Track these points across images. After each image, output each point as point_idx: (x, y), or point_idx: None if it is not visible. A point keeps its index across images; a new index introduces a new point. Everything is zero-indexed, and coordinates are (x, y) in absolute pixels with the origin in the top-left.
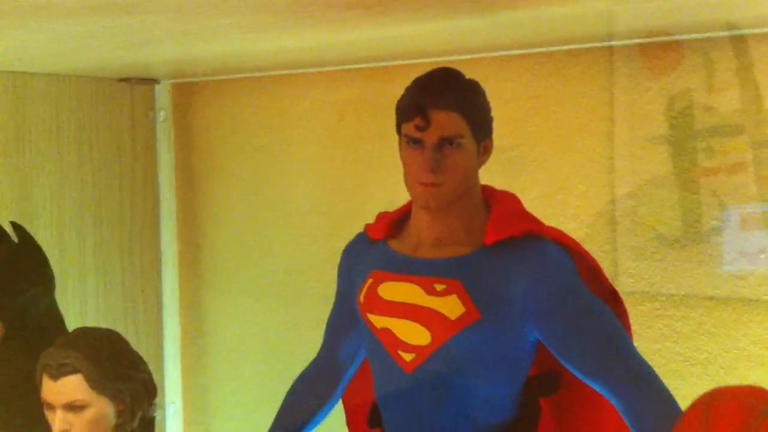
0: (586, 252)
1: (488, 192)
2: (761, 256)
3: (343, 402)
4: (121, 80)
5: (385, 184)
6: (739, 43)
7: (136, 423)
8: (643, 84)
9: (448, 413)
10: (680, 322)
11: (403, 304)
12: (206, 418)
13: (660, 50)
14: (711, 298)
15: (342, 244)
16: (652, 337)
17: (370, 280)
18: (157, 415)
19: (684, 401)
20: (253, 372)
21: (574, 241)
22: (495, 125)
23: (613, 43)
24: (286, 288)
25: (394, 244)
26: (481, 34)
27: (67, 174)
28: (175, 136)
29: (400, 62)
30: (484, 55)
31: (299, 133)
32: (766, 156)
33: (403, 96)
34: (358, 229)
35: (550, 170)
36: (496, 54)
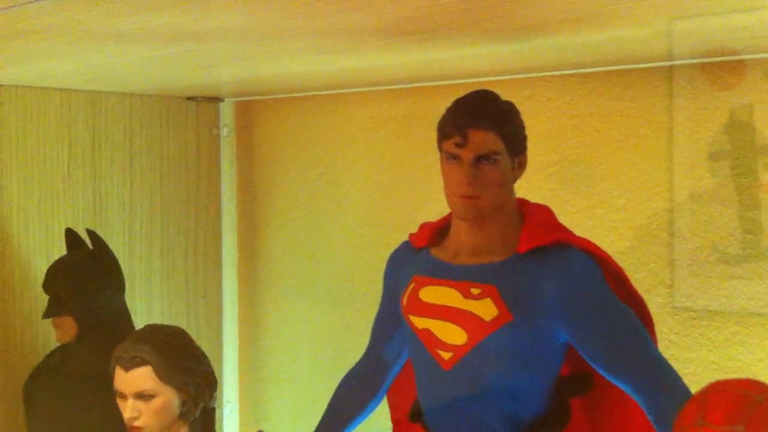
0: (613, 261)
1: (523, 204)
2: None
3: (388, 400)
4: (188, 99)
5: (431, 196)
6: None
7: (198, 412)
8: (704, 98)
9: (483, 407)
10: (715, 331)
11: (442, 306)
12: (262, 417)
13: (720, 66)
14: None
15: (390, 251)
16: (688, 345)
17: (412, 285)
18: (217, 407)
19: None
20: (306, 374)
21: (601, 250)
22: (539, 141)
23: (673, 62)
24: (339, 294)
25: (435, 252)
26: (523, 57)
27: (137, 185)
28: (237, 151)
29: (446, 82)
30: (527, 75)
31: (351, 147)
32: None
33: (443, 116)
34: (406, 237)
35: (591, 184)
36: (540, 74)
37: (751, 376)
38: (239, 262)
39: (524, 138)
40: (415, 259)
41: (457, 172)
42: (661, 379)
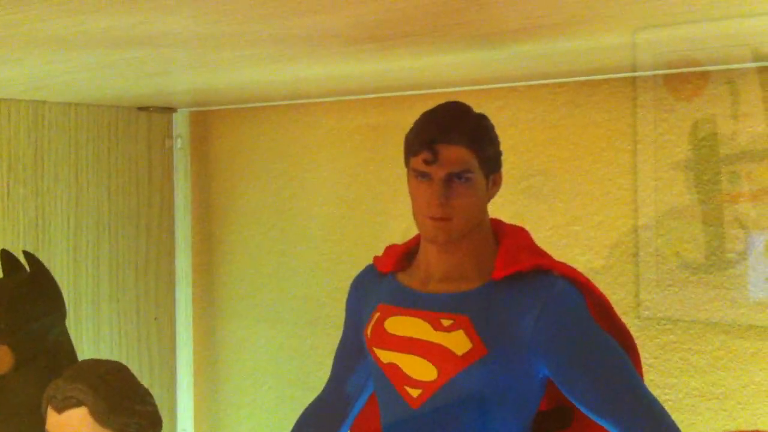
0: (596, 288)
1: (498, 226)
2: None
3: None
4: (139, 109)
5: (399, 212)
6: (764, 71)
7: None
8: (667, 110)
9: None
10: (696, 356)
11: (410, 339)
12: None
13: (684, 77)
14: (730, 327)
15: (354, 272)
16: (669, 370)
17: (377, 314)
18: None
19: None
20: (266, 400)
21: (583, 276)
22: (511, 154)
23: (636, 74)
24: (301, 315)
25: (402, 278)
26: (496, 66)
27: (83, 202)
28: (191, 164)
29: (414, 92)
30: (499, 85)
31: (314, 161)
32: None
33: (411, 130)
34: (371, 260)
35: (566, 200)
36: (511, 84)
37: (715, 381)
38: (194, 283)
39: (499, 154)
40: (380, 286)
41: (427, 191)
42: (647, 417)
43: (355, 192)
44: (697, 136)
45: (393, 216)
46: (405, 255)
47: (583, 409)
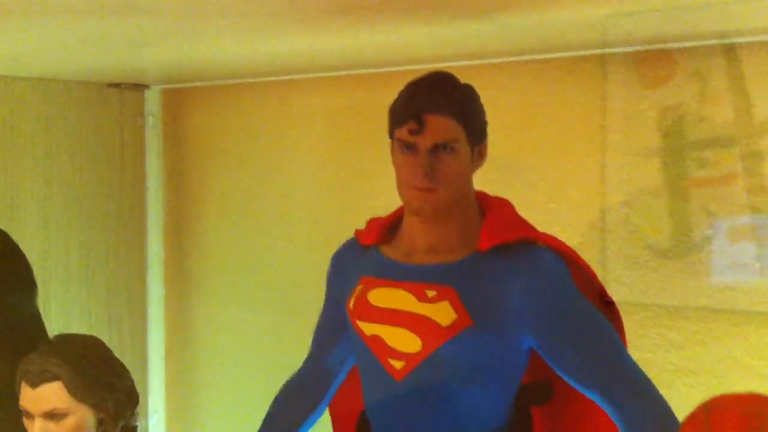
0: (581, 259)
1: (482, 198)
2: (753, 267)
3: (330, 412)
4: (111, 85)
5: (378, 191)
6: (731, 54)
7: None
8: (636, 95)
9: (439, 421)
10: (673, 332)
11: (394, 310)
12: (190, 428)
13: (654, 62)
14: (703, 309)
15: (331, 252)
16: (644, 346)
17: (360, 286)
18: (139, 424)
19: (677, 412)
20: (239, 381)
21: (569, 248)
22: (488, 133)
23: (607, 50)
24: (276, 297)
25: (386, 250)
26: (474, 40)
27: (54, 179)
28: (163, 142)
29: (393, 69)
30: (477, 62)
31: (291, 140)
32: (758, 166)
33: (396, 100)
34: (351, 236)
35: (542, 178)
36: (489, 61)
37: (677, 364)
38: (166, 264)
39: (485, 125)
40: (363, 259)
41: (413, 162)
42: (634, 389)
43: (334, 171)
44: (666, 123)
45: (371, 196)
46: (388, 227)
47: (567, 380)
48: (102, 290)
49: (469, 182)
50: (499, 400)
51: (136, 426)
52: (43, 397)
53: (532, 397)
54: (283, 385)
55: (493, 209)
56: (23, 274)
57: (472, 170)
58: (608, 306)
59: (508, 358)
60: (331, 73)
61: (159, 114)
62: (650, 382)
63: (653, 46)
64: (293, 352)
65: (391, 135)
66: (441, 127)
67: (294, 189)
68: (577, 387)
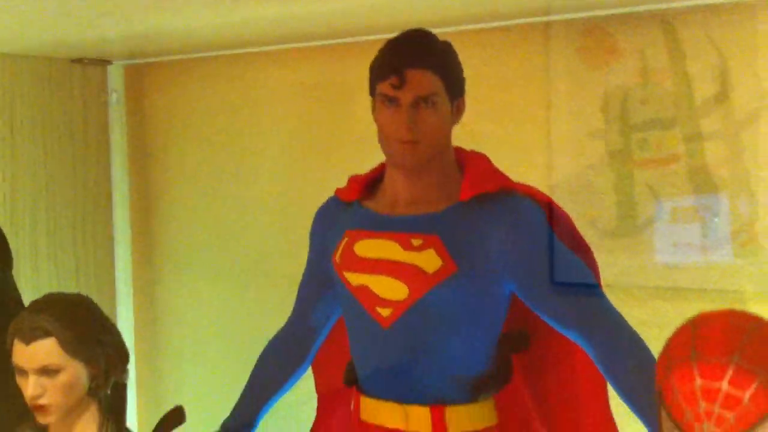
0: (558, 207)
1: (459, 152)
2: (695, 246)
3: (313, 370)
4: (73, 61)
5: (347, 166)
6: (670, 36)
7: (108, 388)
8: (580, 77)
9: (425, 367)
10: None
11: (380, 260)
12: (159, 401)
13: (596, 44)
14: (647, 287)
15: (302, 225)
16: None
17: (345, 239)
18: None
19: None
20: (208, 356)
21: (545, 196)
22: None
23: (552, 17)
24: (242, 271)
25: (369, 204)
26: (432, 8)
27: (19, 157)
28: (127, 118)
29: (357, 39)
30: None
31: (256, 114)
32: (699, 147)
33: (377, 57)
34: (316, 209)
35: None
36: (445, 30)
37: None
38: (133, 240)
39: (463, 81)
40: (346, 214)
41: (395, 115)
42: (610, 328)
43: (303, 145)
44: (609, 104)
45: (340, 170)
46: (369, 184)
47: (547, 320)
48: (71, 268)
49: (449, 136)
50: (482, 346)
51: (126, 384)
52: (37, 354)
53: (511, 345)
54: (268, 343)
55: (472, 162)
56: (1, 247)
57: (451, 124)
58: (585, 252)
59: (490, 302)
60: (295, 45)
61: (122, 90)
62: (626, 321)
63: (595, 13)
64: (260, 324)
65: (372, 91)
66: (421, 81)
67: (259, 163)
68: (556, 326)
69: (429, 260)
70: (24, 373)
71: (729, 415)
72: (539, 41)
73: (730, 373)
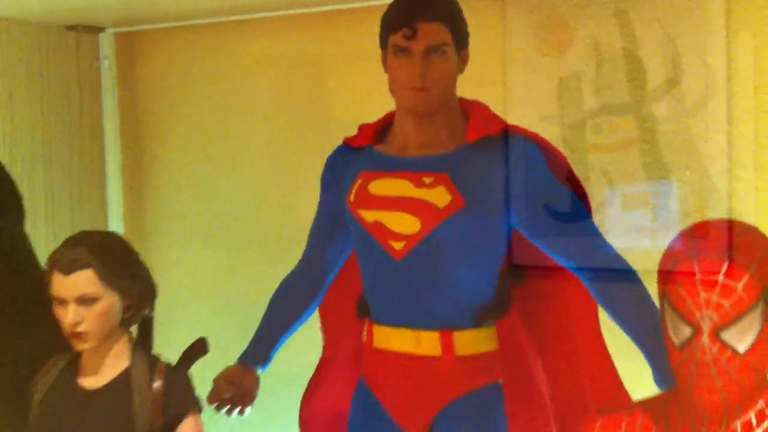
0: (554, 148)
1: (463, 101)
2: (646, 230)
3: (319, 311)
4: (69, 28)
5: (336, 129)
6: (624, 20)
7: (138, 320)
8: (535, 63)
9: (435, 295)
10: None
11: (394, 197)
12: None
13: (552, 30)
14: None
15: (292, 188)
16: None
17: (359, 180)
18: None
19: None
20: (200, 319)
21: (544, 139)
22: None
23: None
24: (234, 234)
25: (380, 148)
26: None
27: (18, 121)
28: (119, 85)
29: (339, 7)
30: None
31: (247, 80)
32: (651, 133)
33: (389, 10)
34: (309, 173)
35: None
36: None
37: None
38: (125, 204)
39: (468, 34)
40: (358, 158)
41: (407, 64)
42: (602, 256)
43: (292, 110)
44: (563, 90)
45: (328, 133)
46: (379, 130)
47: (549, 253)
48: (66, 231)
49: (455, 85)
50: (487, 276)
51: (152, 318)
52: (76, 284)
53: (510, 277)
54: (282, 281)
55: (474, 108)
56: (13, 196)
57: (457, 73)
58: (580, 190)
59: (495, 235)
60: (280, 13)
61: (114, 57)
62: (616, 252)
63: None
64: (251, 285)
65: (384, 43)
66: (432, 32)
67: (248, 129)
68: (555, 257)
69: (439, 196)
70: (63, 302)
71: (725, 303)
72: (497, 24)
73: (725, 267)
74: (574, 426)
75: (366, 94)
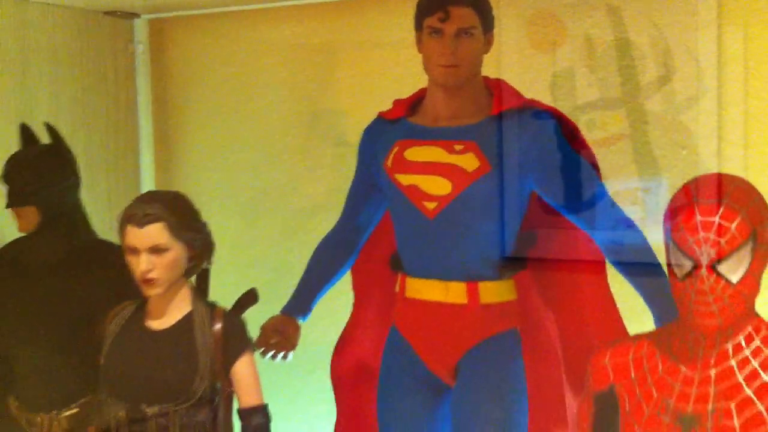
0: (569, 120)
1: (486, 79)
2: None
3: (353, 271)
4: (106, 13)
5: (348, 109)
6: (615, 16)
7: (199, 270)
8: (529, 59)
9: (463, 250)
10: None
11: (428, 162)
12: None
13: (544, 26)
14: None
15: (313, 162)
16: None
17: (396, 148)
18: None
19: None
20: (221, 277)
21: (560, 111)
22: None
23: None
24: (253, 207)
25: (414, 120)
26: None
27: (62, 98)
28: (151, 67)
29: None
30: None
31: (269, 63)
32: (643, 127)
33: None
34: (329, 148)
35: None
36: None
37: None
38: (156, 177)
39: (493, 18)
40: (394, 128)
41: (440, 44)
42: (609, 215)
43: (310, 92)
44: (556, 86)
45: (345, 108)
46: (411, 104)
47: (559, 209)
48: (103, 203)
49: (481, 63)
50: (509, 233)
51: (209, 269)
52: (149, 235)
53: (526, 240)
54: (321, 240)
55: (497, 85)
56: (70, 166)
57: (483, 53)
58: (588, 153)
59: (516, 196)
60: (303, 2)
61: (147, 42)
62: (624, 214)
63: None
64: (266, 257)
65: (419, 25)
66: (463, 15)
67: (264, 107)
68: (569, 216)
69: (469, 161)
70: (136, 252)
71: (721, 240)
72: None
73: (721, 210)
74: (581, 373)
75: (378, 79)
